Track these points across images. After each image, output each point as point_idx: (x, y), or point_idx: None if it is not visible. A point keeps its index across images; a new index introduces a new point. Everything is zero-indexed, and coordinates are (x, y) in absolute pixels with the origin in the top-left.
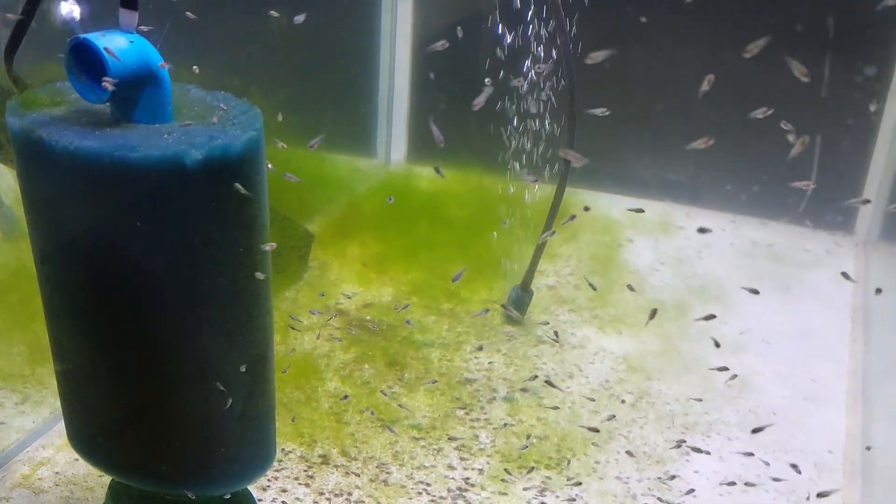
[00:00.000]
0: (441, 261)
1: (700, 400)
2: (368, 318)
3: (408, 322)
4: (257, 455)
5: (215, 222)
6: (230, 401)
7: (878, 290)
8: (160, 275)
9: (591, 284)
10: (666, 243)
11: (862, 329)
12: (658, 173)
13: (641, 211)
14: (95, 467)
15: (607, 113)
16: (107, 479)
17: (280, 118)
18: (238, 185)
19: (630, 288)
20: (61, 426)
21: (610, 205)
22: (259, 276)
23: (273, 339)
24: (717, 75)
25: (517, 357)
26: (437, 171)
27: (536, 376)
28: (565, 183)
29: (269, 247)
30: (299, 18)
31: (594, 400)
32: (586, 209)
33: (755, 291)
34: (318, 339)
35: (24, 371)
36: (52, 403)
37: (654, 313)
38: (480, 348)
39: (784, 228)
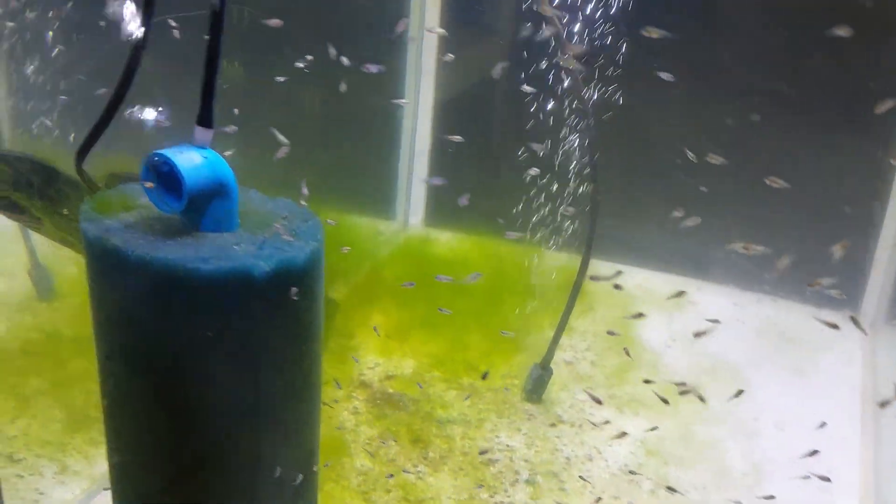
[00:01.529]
0: (460, 331)
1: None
2: (391, 390)
3: (419, 385)
4: None
5: (278, 329)
6: (283, 494)
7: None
8: (222, 377)
9: (626, 351)
10: (678, 319)
11: (872, 416)
12: (668, 245)
13: (682, 293)
14: None
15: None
16: None
17: (306, 192)
18: (294, 290)
19: (646, 381)
20: (101, 499)
21: (624, 277)
22: (314, 376)
23: (319, 434)
24: (729, 149)
25: (538, 437)
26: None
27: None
28: (588, 262)
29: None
30: (343, 87)
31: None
32: (617, 287)
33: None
34: (342, 411)
35: (63, 439)
36: (91, 475)
37: (683, 390)
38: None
39: (792, 306)
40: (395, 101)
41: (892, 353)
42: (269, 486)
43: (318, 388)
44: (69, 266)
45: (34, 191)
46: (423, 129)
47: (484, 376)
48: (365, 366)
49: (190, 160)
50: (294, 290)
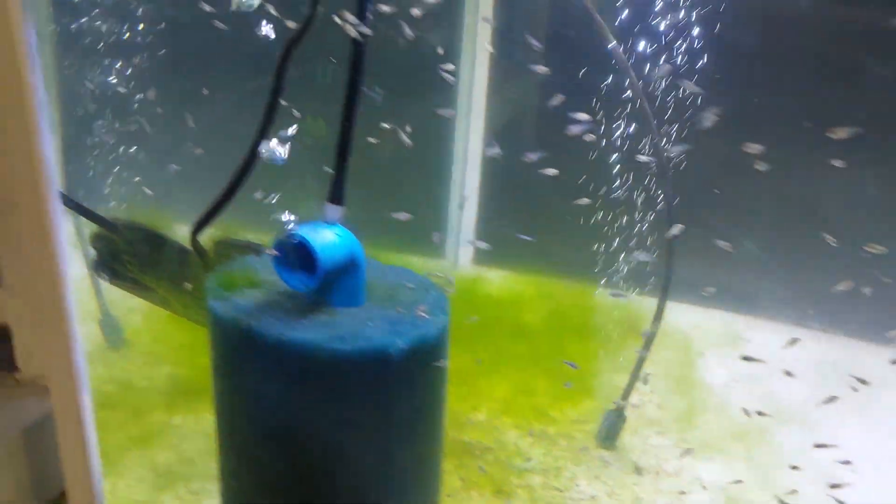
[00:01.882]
0: (525, 375)
1: None
2: (467, 439)
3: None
4: None
5: (410, 402)
6: None
7: None
8: (353, 450)
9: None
10: (736, 358)
11: None
12: (717, 282)
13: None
14: None
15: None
16: None
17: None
18: (442, 362)
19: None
20: None
21: (675, 315)
22: (438, 442)
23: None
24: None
25: (617, 486)
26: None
27: None
28: (663, 308)
29: None
30: (407, 141)
31: None
32: None
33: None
34: None
35: (152, 497)
36: None
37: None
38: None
39: (846, 342)
40: (442, 111)
41: None
42: None
43: (441, 451)
44: (135, 315)
45: (145, 259)
46: (474, 165)
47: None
48: None
49: (324, 238)
50: (442, 362)
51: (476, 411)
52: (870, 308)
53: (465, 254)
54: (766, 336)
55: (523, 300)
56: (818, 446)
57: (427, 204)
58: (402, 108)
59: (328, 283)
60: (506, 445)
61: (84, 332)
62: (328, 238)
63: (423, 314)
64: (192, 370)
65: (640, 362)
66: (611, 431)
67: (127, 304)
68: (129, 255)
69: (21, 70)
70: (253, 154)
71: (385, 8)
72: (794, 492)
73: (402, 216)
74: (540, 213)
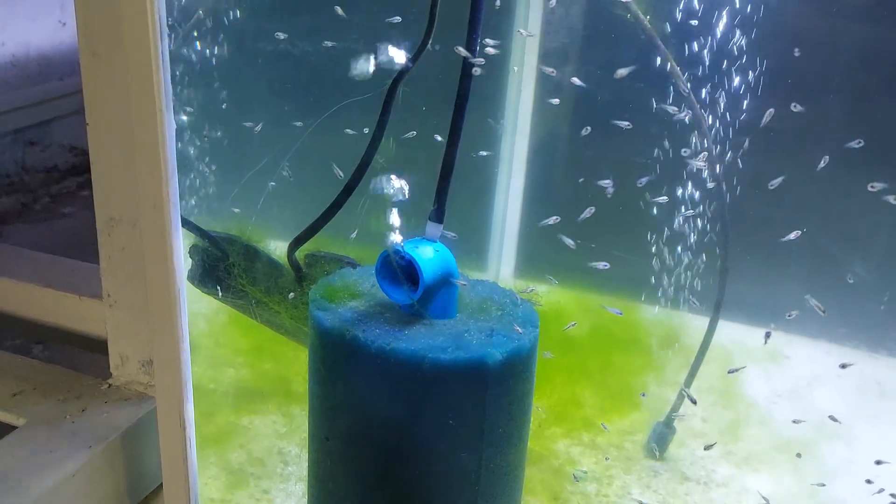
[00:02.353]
0: (573, 386)
1: None
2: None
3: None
4: None
5: (503, 412)
6: None
7: None
8: (446, 458)
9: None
10: (776, 373)
11: None
12: (755, 298)
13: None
14: None
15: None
16: None
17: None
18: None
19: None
20: None
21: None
22: (524, 451)
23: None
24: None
25: (669, 495)
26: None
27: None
28: (716, 325)
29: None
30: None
31: None
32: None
33: None
34: None
35: (226, 495)
36: None
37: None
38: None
39: (888, 361)
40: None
41: None
42: None
43: (525, 458)
44: (198, 319)
45: (241, 270)
46: (518, 176)
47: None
48: None
49: (425, 254)
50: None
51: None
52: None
53: (507, 266)
54: (806, 352)
55: (567, 314)
56: (878, 462)
57: (469, 211)
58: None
59: (427, 296)
60: (557, 453)
61: None
62: (429, 254)
63: (519, 329)
64: (255, 373)
65: (691, 377)
66: (660, 443)
67: (190, 309)
68: (237, 268)
69: (153, 87)
70: (356, 180)
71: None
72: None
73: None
74: (584, 227)
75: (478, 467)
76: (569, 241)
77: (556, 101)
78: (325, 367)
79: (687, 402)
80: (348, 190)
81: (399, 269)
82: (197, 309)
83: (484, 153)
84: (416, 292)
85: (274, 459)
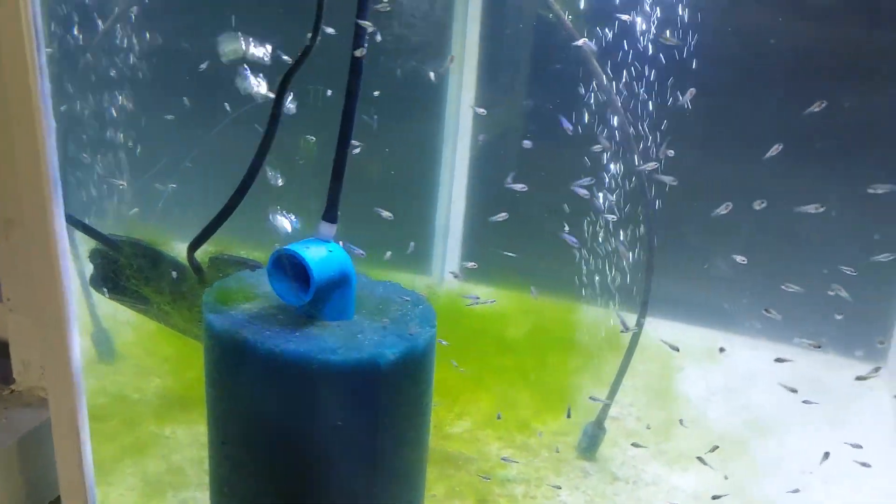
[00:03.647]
0: (508, 389)
1: None
2: (450, 450)
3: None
4: None
5: (398, 412)
6: None
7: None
8: (342, 460)
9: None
10: (714, 372)
11: None
12: (697, 299)
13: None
14: None
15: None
16: None
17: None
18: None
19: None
20: None
21: (653, 328)
22: (424, 451)
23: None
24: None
25: (597, 495)
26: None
27: None
28: (643, 323)
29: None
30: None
31: None
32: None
33: None
34: None
35: None
36: None
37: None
38: (559, 487)
39: (821, 357)
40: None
41: None
42: None
43: (426, 459)
44: (126, 329)
45: (143, 274)
46: (460, 181)
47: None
48: None
49: (317, 254)
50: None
51: (458, 424)
52: (842, 325)
53: (452, 269)
54: (744, 352)
55: (507, 315)
56: (854, 445)
57: (413, 217)
58: (392, 130)
59: (320, 297)
60: (488, 457)
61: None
62: (321, 254)
63: (414, 330)
64: (182, 383)
65: (620, 377)
66: (591, 443)
67: (118, 318)
68: (130, 270)
69: (31, 92)
70: (250, 176)
71: (378, 37)
72: (767, 500)
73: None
74: (524, 230)
75: (373, 470)
76: (572, 239)
77: (482, 110)
78: (217, 371)
79: (619, 400)
80: (242, 191)
81: (290, 270)
82: (124, 318)
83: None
84: (307, 293)
85: (194, 469)
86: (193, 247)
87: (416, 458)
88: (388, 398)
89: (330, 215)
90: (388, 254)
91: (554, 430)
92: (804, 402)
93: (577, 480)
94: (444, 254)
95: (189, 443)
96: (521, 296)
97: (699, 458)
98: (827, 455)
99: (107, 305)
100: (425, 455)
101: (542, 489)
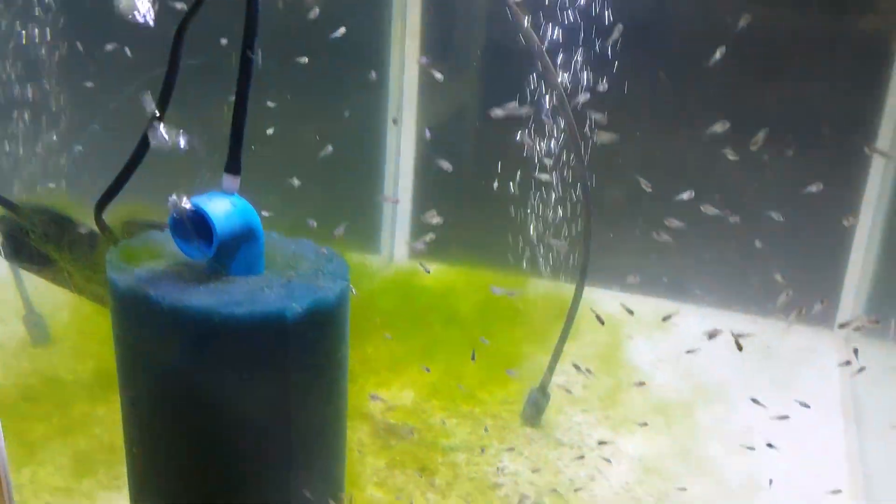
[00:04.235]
0: (455, 361)
1: None
2: (393, 421)
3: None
4: None
5: (310, 368)
6: None
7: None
8: (253, 418)
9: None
10: (663, 340)
11: (855, 425)
12: (646, 269)
13: (669, 316)
14: None
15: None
16: None
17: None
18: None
19: (640, 384)
20: None
21: (603, 301)
22: (342, 410)
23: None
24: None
25: (540, 461)
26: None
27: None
28: (584, 284)
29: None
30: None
31: None
32: (601, 321)
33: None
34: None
35: (71, 484)
36: None
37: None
38: (511, 448)
39: (769, 324)
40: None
41: (867, 362)
42: None
43: (345, 420)
44: (62, 311)
45: (50, 242)
46: (407, 159)
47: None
48: (364, 398)
49: (219, 207)
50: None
51: (403, 396)
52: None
53: (401, 248)
54: (693, 320)
55: (456, 290)
56: (802, 405)
57: (359, 196)
58: (331, 109)
59: (226, 252)
60: (432, 427)
61: (8, 329)
62: (224, 206)
63: (324, 283)
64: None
65: (562, 344)
66: (535, 410)
67: (53, 301)
68: (35, 235)
69: None
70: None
71: None
72: (710, 459)
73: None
74: (471, 206)
75: (288, 428)
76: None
77: (439, 75)
78: (122, 330)
79: (567, 370)
80: (143, 147)
81: (191, 225)
82: (59, 301)
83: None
84: (210, 247)
85: None
86: (101, 205)
87: (332, 414)
88: (297, 352)
89: (232, 166)
90: (340, 229)
91: (499, 400)
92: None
93: (521, 447)
94: (393, 231)
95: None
96: (470, 271)
97: (642, 424)
98: (771, 482)
99: (40, 289)
100: (343, 412)
101: (485, 456)
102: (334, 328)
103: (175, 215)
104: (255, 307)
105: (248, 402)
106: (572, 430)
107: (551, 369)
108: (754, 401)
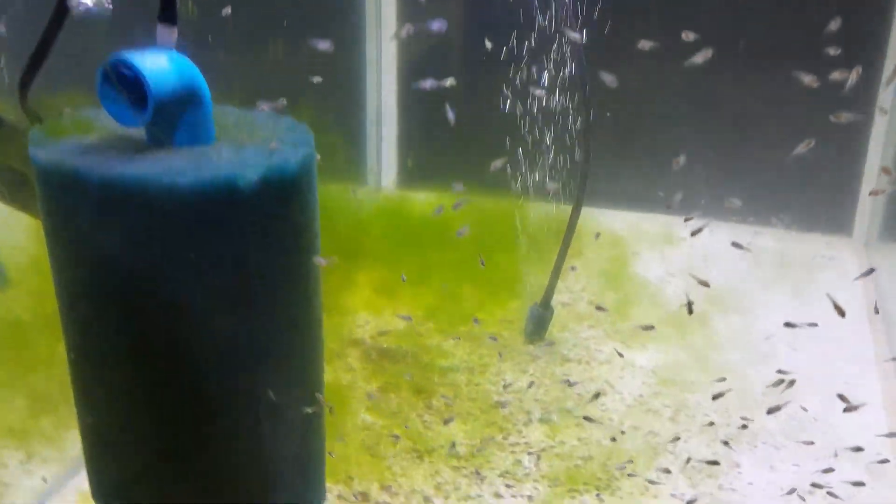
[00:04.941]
0: (452, 284)
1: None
2: (385, 346)
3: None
4: (309, 498)
5: (271, 249)
6: (289, 437)
7: None
8: (210, 310)
9: (599, 307)
10: (672, 254)
11: (884, 329)
12: (653, 187)
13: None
14: None
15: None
16: None
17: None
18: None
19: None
20: (76, 483)
21: (610, 221)
22: (314, 302)
23: (323, 374)
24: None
25: (545, 377)
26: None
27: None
28: (582, 199)
29: (323, 262)
30: (325, 45)
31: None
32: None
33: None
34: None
35: (27, 425)
36: (60, 459)
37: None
38: (500, 355)
39: (784, 234)
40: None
41: (889, 268)
42: (273, 431)
43: (320, 316)
44: (20, 255)
45: None
46: (389, 86)
47: (475, 321)
48: (355, 324)
49: (154, 63)
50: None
51: (397, 321)
52: (799, 203)
53: (388, 178)
54: (703, 233)
55: (448, 216)
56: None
57: (341, 126)
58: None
59: (166, 118)
60: (429, 349)
61: None
62: (160, 62)
63: (276, 146)
64: None
65: (562, 256)
66: (538, 326)
67: (10, 244)
68: None
69: None
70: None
71: None
72: (729, 368)
73: None
74: (461, 130)
75: (250, 320)
76: None
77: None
78: (50, 218)
79: (571, 287)
80: (60, 14)
81: (123, 86)
82: (17, 242)
83: None
84: (145, 111)
85: None
86: (24, 86)
87: (302, 303)
88: (253, 228)
89: (167, 15)
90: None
91: (499, 319)
92: None
93: (524, 365)
94: (380, 161)
95: None
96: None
97: (648, 327)
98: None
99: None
100: (316, 303)
101: (487, 375)
102: (298, 202)
103: (102, 76)
104: (200, 175)
105: (199, 291)
106: (579, 346)
107: (552, 283)
108: (788, 324)
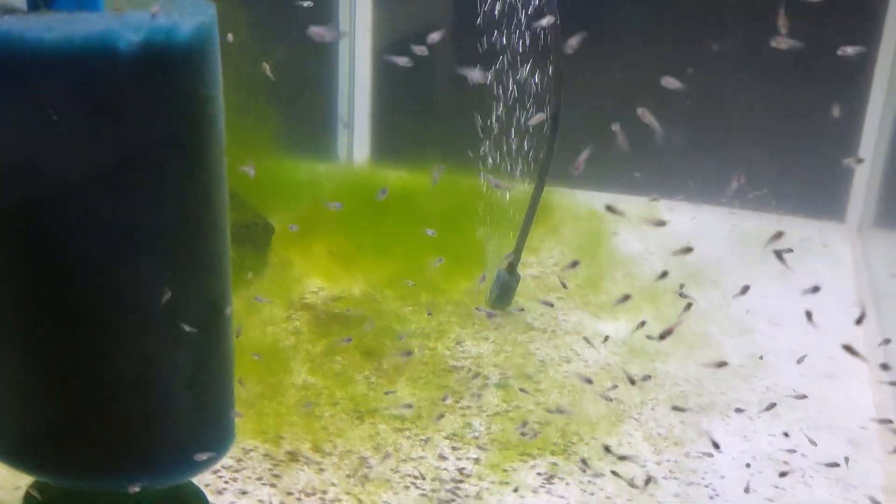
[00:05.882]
0: (416, 253)
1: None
2: (338, 310)
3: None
4: (211, 436)
5: (158, 126)
6: (188, 353)
7: None
8: (86, 195)
9: (563, 283)
10: (652, 234)
11: (874, 310)
12: (639, 169)
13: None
14: (14, 468)
15: None
16: (21, 492)
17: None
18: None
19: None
20: None
21: (589, 201)
22: (215, 193)
23: (230, 289)
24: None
25: (507, 344)
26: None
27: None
28: (546, 174)
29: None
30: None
31: (592, 382)
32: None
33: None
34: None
35: None
36: None
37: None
38: (429, 313)
39: (773, 218)
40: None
41: (883, 255)
42: (162, 348)
43: (223, 212)
44: None
45: None
46: (363, 62)
47: (428, 313)
48: (307, 290)
49: None
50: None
51: (353, 288)
52: (792, 188)
53: (361, 154)
54: (685, 214)
55: (418, 193)
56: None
57: (313, 102)
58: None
59: None
60: (385, 314)
61: None
62: None
63: (156, 9)
64: None
65: (528, 223)
66: (503, 293)
67: None
68: None
69: None
70: None
71: None
72: (705, 339)
73: None
74: (433, 109)
75: (131, 207)
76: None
77: None
78: None
79: (543, 262)
80: None
81: None
82: None
83: None
84: None
85: None
86: None
87: (197, 192)
88: (135, 99)
89: None
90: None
91: (463, 289)
92: None
93: (486, 332)
94: (351, 138)
95: None
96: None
97: (624, 297)
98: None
99: None
100: (220, 209)
101: (444, 341)
102: (190, 74)
103: None
104: (72, 31)
105: (72, 170)
106: (546, 316)
107: (520, 246)
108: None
